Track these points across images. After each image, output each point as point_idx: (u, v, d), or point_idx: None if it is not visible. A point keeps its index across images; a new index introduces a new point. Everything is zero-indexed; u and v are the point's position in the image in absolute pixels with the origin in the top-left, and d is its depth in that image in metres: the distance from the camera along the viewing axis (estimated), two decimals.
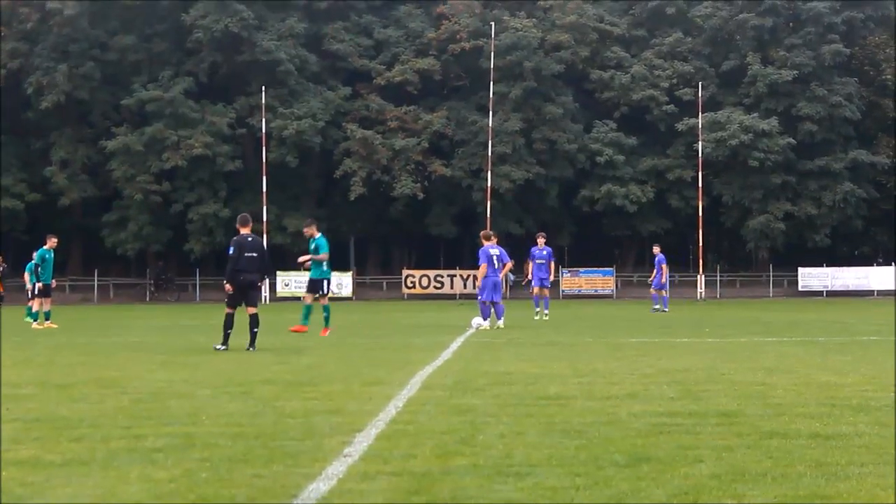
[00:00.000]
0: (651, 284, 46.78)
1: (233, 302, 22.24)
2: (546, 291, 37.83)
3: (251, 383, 15.17)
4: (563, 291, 68.88)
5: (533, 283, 37.54)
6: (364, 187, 71.82)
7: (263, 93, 69.64)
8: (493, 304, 30.08)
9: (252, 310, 22.24)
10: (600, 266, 72.86)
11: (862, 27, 76.05)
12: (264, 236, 65.00)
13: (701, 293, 66.92)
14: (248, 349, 21.80)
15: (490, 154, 68.48)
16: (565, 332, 28.72)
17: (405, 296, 69.98)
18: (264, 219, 67.28)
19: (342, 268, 75.35)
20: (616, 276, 72.51)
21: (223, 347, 21.71)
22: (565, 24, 75.20)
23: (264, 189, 67.56)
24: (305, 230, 29.12)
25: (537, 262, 37.53)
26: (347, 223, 77.05)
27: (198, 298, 71.21)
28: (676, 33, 76.77)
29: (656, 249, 46.09)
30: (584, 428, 10.68)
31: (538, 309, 37.06)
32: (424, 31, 76.34)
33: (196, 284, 73.45)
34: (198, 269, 73.26)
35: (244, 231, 22.62)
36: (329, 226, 74.90)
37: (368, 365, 18.17)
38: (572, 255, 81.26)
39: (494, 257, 30.20)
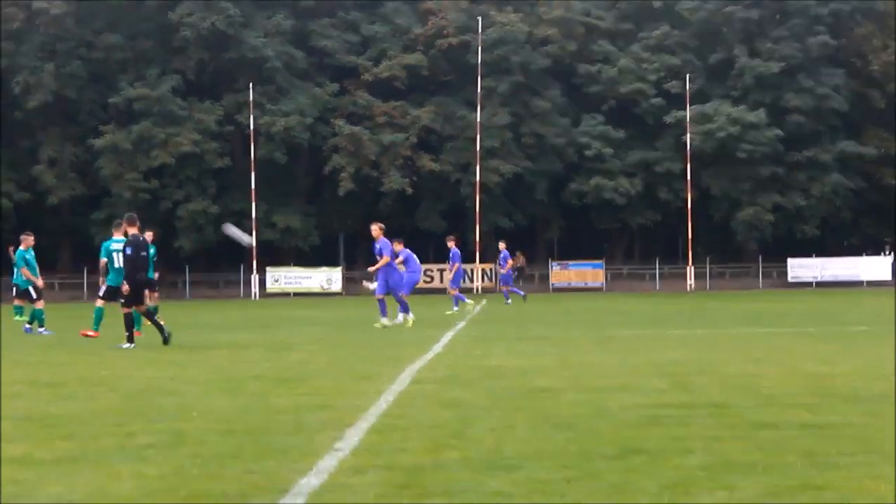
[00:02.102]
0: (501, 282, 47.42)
1: (133, 302, 22.25)
2: (452, 291, 40.56)
3: (241, 380, 15.18)
4: (552, 285, 68.98)
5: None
6: (353, 183, 71.83)
7: (251, 90, 69.65)
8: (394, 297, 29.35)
9: (140, 309, 22.46)
10: (590, 259, 72.89)
11: (849, 19, 76.19)
12: (253, 233, 65.00)
13: (690, 285, 67.05)
14: (125, 346, 21.70)
15: (478, 149, 68.54)
16: (555, 325, 28.74)
17: None
18: (254, 215, 67.28)
19: (332, 263, 75.47)
20: (606, 269, 72.62)
21: (132, 346, 21.71)
22: (552, 18, 75.23)
23: (253, 186, 67.53)
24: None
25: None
26: (337, 219, 77.08)
27: (188, 295, 71.16)
28: (663, 27, 76.81)
29: (502, 245, 46.90)
30: (575, 420, 10.70)
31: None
32: (411, 26, 76.32)
33: (186, 282, 73.40)
34: (187, 267, 73.23)
35: (133, 231, 22.64)
36: (319, 222, 75.06)
37: (358, 360, 18.19)
38: (561, 249, 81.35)
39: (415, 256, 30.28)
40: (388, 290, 28.94)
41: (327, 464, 8.68)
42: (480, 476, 8.16)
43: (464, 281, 58.23)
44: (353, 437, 9.96)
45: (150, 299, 33.38)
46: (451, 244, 40.31)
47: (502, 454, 9.01)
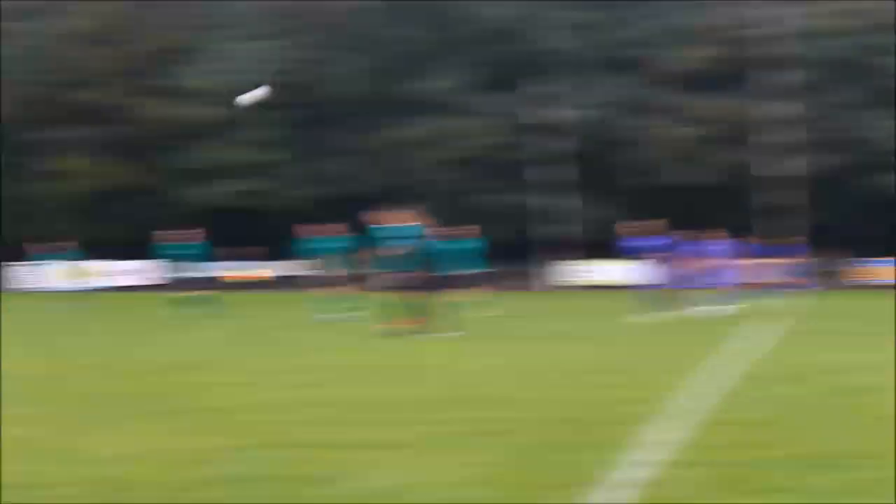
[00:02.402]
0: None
1: (431, 290, 23.88)
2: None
3: (550, 371, 15.41)
4: (867, 282, 66.72)
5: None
6: (649, 176, 71.54)
7: (546, 83, 70.10)
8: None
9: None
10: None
11: None
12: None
13: None
14: (452, 335, 22.65)
15: (777, 142, 67.48)
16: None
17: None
18: (542, 208, 67.77)
19: (626, 257, 74.99)
20: None
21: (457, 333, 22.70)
22: (850, 9, 73.21)
23: (550, 179, 68.02)
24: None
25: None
26: (630, 212, 76.68)
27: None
28: None
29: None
30: None
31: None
32: (703, 19, 75.18)
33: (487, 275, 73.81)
34: (494, 258, 73.40)
35: (424, 222, 23.40)
36: (614, 214, 74.74)
37: (669, 352, 18.22)
38: (868, 245, 78.72)
39: None
40: (677, 281, 29.61)
41: (645, 457, 8.74)
42: (804, 474, 8.10)
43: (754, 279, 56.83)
44: (670, 430, 10.01)
45: (475, 295, 34.16)
46: (717, 237, 38.30)
47: (827, 452, 8.95)
